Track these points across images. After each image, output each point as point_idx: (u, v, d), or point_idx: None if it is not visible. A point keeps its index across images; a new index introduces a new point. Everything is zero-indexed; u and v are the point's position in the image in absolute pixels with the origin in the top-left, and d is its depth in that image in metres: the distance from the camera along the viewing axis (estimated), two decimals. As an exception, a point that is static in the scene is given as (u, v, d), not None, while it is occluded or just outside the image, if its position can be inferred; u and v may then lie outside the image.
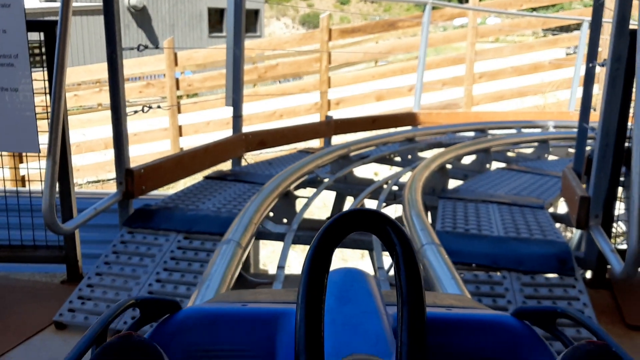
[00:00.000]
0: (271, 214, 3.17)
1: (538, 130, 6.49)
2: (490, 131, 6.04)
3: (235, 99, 4.28)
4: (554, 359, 0.78)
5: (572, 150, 5.95)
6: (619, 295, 2.89)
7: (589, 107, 3.49)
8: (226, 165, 4.47)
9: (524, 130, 6.34)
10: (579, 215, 2.85)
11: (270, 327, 0.86)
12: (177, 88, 9.93)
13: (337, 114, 10.55)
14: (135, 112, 3.23)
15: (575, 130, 6.95)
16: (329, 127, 5.32)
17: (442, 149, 5.27)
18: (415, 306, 0.64)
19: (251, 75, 10.41)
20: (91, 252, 3.65)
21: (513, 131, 6.25)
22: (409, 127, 6.12)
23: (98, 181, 10.00)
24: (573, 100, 7.53)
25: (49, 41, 2.58)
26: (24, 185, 5.10)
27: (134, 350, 0.66)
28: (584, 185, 3.40)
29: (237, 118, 4.32)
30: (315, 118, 10.37)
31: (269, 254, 5.43)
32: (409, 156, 5.00)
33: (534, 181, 4.25)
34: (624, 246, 3.25)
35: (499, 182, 4.08)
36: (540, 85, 11.04)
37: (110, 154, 9.27)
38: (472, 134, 5.96)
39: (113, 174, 7.87)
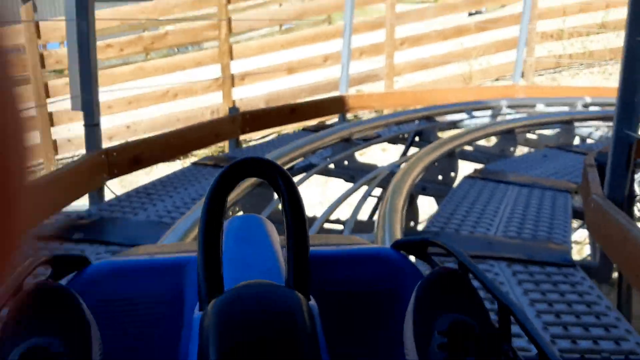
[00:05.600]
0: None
1: (488, 112, 5.38)
2: (438, 118, 4.84)
3: (87, 99, 2.77)
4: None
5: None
6: None
7: (633, 110, 2.28)
8: (82, 202, 2.98)
9: (476, 114, 5.21)
10: None
11: (177, 274, 0.91)
12: (43, 66, 8.06)
13: (242, 91, 9.07)
14: None
15: (532, 108, 5.95)
16: (234, 125, 3.89)
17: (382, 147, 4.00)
18: (299, 236, 0.74)
19: (135, 47, 8.67)
20: None
21: (464, 115, 5.09)
22: (335, 120, 4.80)
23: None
24: (518, 69, 6.47)
25: None
26: None
27: (51, 296, 0.71)
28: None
29: (91, 128, 2.82)
30: (216, 97, 8.85)
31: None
32: (346, 162, 3.71)
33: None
34: None
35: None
36: (464, 50, 10.03)
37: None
38: (416, 122, 4.73)
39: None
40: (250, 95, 8.97)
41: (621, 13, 10.69)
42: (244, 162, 0.76)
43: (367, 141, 4.10)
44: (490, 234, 2.48)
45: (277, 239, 0.96)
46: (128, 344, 0.89)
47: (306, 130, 4.45)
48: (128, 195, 2.95)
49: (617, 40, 10.85)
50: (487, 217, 2.70)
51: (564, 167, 3.81)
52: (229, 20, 8.16)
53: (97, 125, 2.84)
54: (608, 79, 10.29)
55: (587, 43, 10.64)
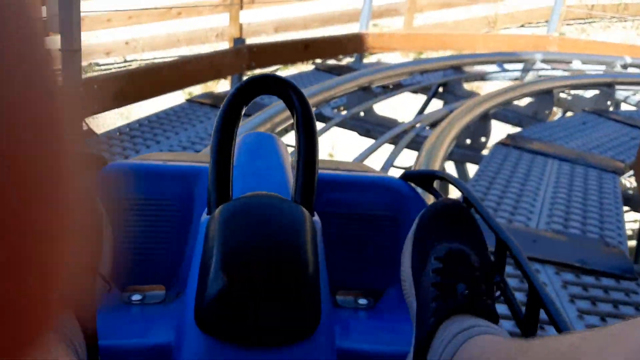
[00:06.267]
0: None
1: (519, 66, 4.88)
2: (466, 68, 4.34)
3: (65, 20, 2.31)
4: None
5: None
6: None
7: None
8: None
9: (507, 67, 4.71)
10: None
11: (190, 181, 0.95)
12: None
13: (251, 15, 8.45)
14: None
15: (566, 65, 5.43)
16: (239, 58, 3.42)
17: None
18: (309, 153, 0.75)
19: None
20: None
21: (494, 67, 4.59)
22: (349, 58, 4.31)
23: None
24: (554, 19, 5.89)
25: None
26: None
27: None
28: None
29: (70, 54, 2.37)
30: (223, 18, 8.25)
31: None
32: (362, 114, 3.26)
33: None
34: None
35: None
36: (493, -9, 9.34)
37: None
38: (441, 72, 4.24)
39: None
40: (259, 20, 8.38)
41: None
42: (262, 78, 0.78)
43: (387, 89, 3.64)
44: (531, 225, 2.09)
45: (288, 159, 0.98)
46: (138, 242, 0.93)
47: (319, 70, 3.98)
48: (108, 135, 2.53)
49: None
50: (526, 201, 2.30)
51: (606, 138, 3.38)
52: None
53: (78, 51, 2.39)
54: (641, 35, 9.67)
55: (624, -6, 9.92)
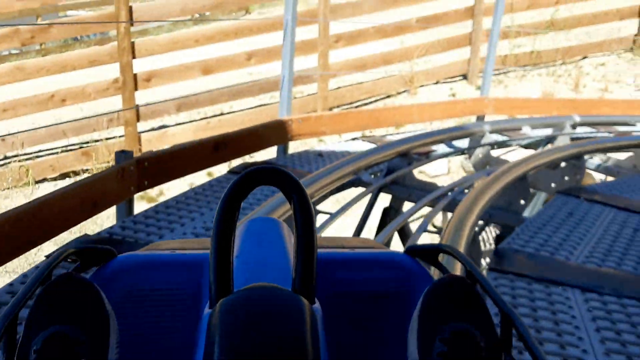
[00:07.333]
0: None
1: (464, 142, 4.21)
2: (415, 150, 3.59)
3: None
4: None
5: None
6: None
7: None
8: None
9: (456, 143, 4.03)
10: None
11: (197, 270, 0.95)
12: None
13: (147, 95, 7.51)
14: None
15: (516, 132, 4.84)
16: (124, 181, 2.47)
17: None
18: (307, 240, 0.76)
19: (9, 43, 6.91)
20: None
21: (443, 148, 3.89)
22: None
23: None
24: (488, 80, 5.33)
25: None
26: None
27: (75, 287, 0.75)
28: None
29: None
30: (115, 102, 7.26)
31: None
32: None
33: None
34: None
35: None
36: (407, 49, 8.92)
37: None
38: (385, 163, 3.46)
39: None
40: (158, 98, 7.48)
41: (570, 10, 9.97)
42: (258, 170, 0.80)
43: (327, 195, 2.80)
44: None
45: (292, 244, 0.96)
46: (147, 334, 0.92)
47: (236, 174, 3.11)
48: None
49: (566, 40, 10.14)
50: None
51: (608, 237, 2.69)
52: (130, 10, 6.56)
53: None
54: (557, 82, 9.52)
55: (535, 42, 9.82)
